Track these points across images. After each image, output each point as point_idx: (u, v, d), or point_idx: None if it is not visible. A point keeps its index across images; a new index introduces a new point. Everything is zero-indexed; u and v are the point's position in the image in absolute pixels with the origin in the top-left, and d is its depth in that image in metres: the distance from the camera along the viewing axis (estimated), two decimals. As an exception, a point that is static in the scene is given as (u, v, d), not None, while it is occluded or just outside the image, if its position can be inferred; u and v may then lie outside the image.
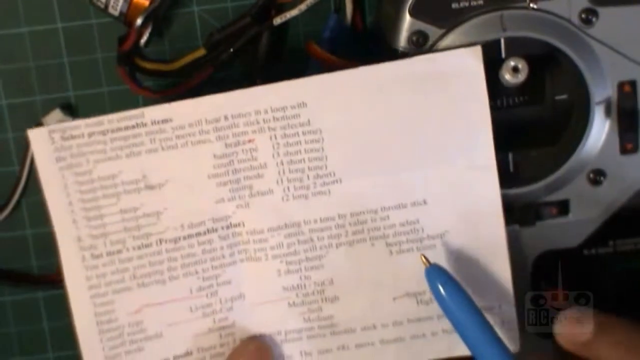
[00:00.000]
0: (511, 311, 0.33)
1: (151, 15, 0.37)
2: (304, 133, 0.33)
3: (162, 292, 0.33)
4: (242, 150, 0.33)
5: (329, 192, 0.33)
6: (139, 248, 0.33)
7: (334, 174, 0.33)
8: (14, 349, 0.41)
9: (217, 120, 0.32)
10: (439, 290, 0.31)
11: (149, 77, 0.38)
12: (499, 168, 0.33)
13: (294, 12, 0.37)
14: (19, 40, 0.38)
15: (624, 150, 0.34)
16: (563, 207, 0.35)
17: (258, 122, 0.32)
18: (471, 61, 0.32)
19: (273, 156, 0.33)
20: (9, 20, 0.38)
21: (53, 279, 0.39)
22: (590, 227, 0.35)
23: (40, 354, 0.40)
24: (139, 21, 0.36)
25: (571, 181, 0.34)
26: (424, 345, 0.34)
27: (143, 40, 0.37)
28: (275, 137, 0.32)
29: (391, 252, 0.33)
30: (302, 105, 0.32)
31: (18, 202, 0.39)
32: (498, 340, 0.30)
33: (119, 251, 0.33)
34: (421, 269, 0.32)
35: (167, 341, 0.33)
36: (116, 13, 0.37)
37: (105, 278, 0.33)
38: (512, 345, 0.33)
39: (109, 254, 0.33)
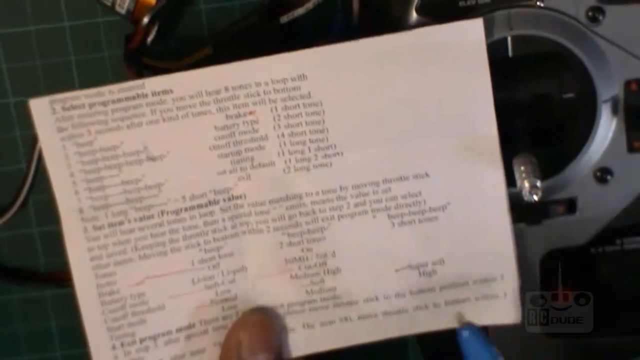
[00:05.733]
0: (513, 282, 0.33)
1: (158, 14, 0.37)
2: (304, 105, 0.33)
3: (164, 264, 0.33)
4: (243, 122, 0.33)
5: (331, 164, 0.33)
6: (141, 220, 0.33)
7: (335, 147, 0.33)
8: (22, 348, 0.40)
9: (218, 91, 0.32)
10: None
11: (156, 76, 0.38)
12: (507, 167, 0.33)
13: (301, 11, 0.37)
14: (26, 38, 0.39)
15: (631, 149, 0.34)
16: (570, 206, 0.35)
17: (259, 94, 0.32)
18: (472, 34, 0.32)
19: (274, 128, 0.33)
20: (16, 18, 0.38)
21: (60, 277, 0.39)
22: (597, 225, 0.35)
23: (47, 352, 0.40)
24: (145, 19, 0.37)
25: (578, 179, 0.34)
26: (427, 317, 0.34)
27: (150, 39, 0.37)
28: (276, 109, 0.33)
29: (393, 224, 0.33)
30: (303, 77, 0.32)
31: (25, 200, 0.39)
32: None
33: (121, 222, 0.33)
34: (422, 240, 0.33)
35: (170, 313, 0.33)
36: (123, 11, 0.37)
37: (107, 249, 0.33)
38: (515, 317, 0.34)
39: (110, 225, 0.33)
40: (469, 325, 0.33)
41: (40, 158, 0.37)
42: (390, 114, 0.33)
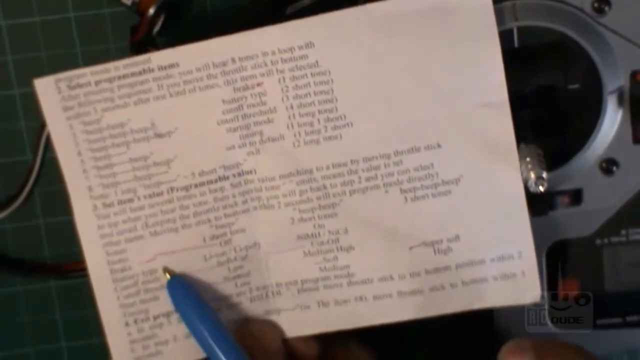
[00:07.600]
0: (531, 259, 0.33)
1: (164, 5, 0.37)
2: (312, 75, 0.32)
3: (175, 241, 0.33)
4: (251, 95, 0.32)
5: (340, 136, 0.33)
6: (150, 197, 0.33)
7: (345, 117, 0.32)
8: (27, 339, 0.40)
9: (225, 63, 0.32)
10: (180, 302, 0.32)
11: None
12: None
13: (306, 2, 0.37)
14: (32, 29, 0.38)
15: (636, 140, 0.34)
16: (575, 197, 0.35)
17: (266, 64, 0.32)
18: None
19: (282, 100, 0.32)
20: (22, 9, 0.38)
21: (66, 269, 0.39)
22: (602, 216, 0.35)
23: (52, 344, 0.40)
24: (151, 11, 0.36)
25: (584, 170, 0.34)
26: (444, 298, 0.33)
27: (156, 30, 0.37)
28: (284, 80, 0.32)
29: (406, 199, 0.33)
30: (310, 45, 0.32)
31: (31, 192, 0.39)
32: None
33: (130, 200, 0.33)
34: (436, 216, 0.32)
35: None
36: (129, 2, 0.37)
37: (117, 227, 0.33)
38: (534, 296, 0.33)
39: (120, 202, 0.33)
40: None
41: (46, 149, 0.37)
42: (399, 82, 0.32)
